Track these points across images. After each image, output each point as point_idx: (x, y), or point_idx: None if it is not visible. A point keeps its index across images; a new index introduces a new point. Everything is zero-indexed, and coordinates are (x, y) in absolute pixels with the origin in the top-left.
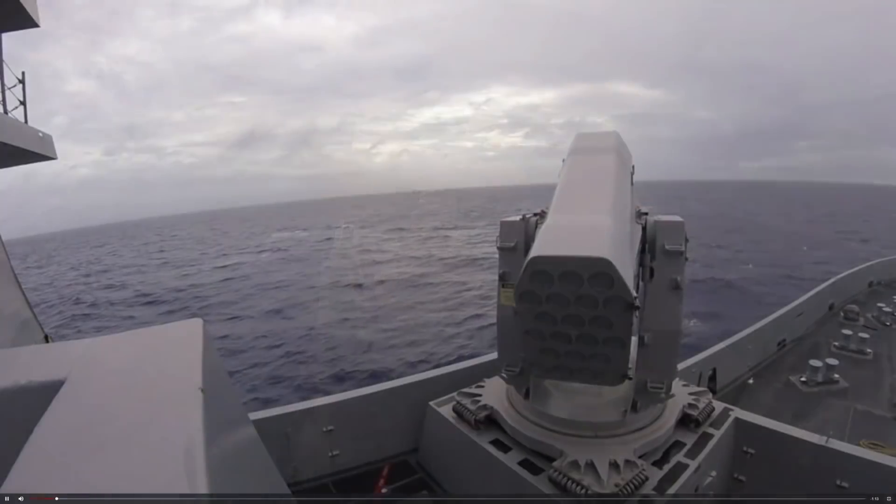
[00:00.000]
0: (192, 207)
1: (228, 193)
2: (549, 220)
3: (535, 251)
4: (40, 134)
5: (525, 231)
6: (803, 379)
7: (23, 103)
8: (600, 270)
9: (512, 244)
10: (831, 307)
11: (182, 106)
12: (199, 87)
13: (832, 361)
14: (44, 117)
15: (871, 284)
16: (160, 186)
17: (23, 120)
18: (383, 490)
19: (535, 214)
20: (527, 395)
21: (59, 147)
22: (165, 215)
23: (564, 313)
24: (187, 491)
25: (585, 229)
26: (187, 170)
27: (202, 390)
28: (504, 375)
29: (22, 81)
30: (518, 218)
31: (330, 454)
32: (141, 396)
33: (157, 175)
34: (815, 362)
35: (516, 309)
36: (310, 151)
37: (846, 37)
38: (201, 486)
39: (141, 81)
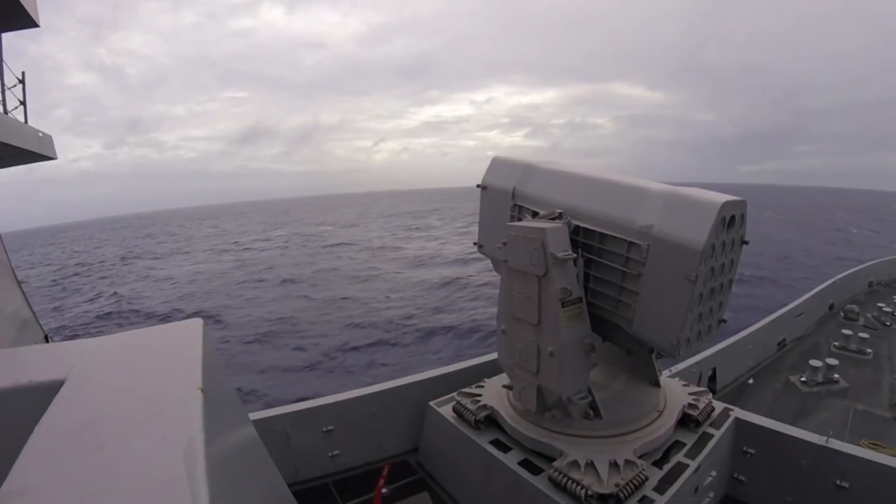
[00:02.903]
0: (192, 202)
1: (228, 189)
2: (664, 189)
3: (714, 200)
4: (40, 134)
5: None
6: (803, 379)
7: (23, 103)
8: (744, 211)
9: (570, 254)
10: (831, 307)
11: (183, 100)
12: (200, 82)
13: (832, 361)
14: (45, 110)
15: (871, 284)
16: (160, 181)
17: (23, 120)
18: (383, 490)
19: (555, 217)
20: (597, 413)
21: (61, 140)
22: (164, 209)
23: (720, 262)
24: (188, 491)
25: (697, 190)
26: (188, 164)
27: (202, 390)
28: (573, 405)
29: (22, 81)
30: (560, 223)
31: (330, 454)
32: (141, 397)
33: (158, 169)
34: (815, 362)
35: (697, 273)
36: (310, 148)
37: (848, 42)
38: (201, 487)
39: (142, 75)
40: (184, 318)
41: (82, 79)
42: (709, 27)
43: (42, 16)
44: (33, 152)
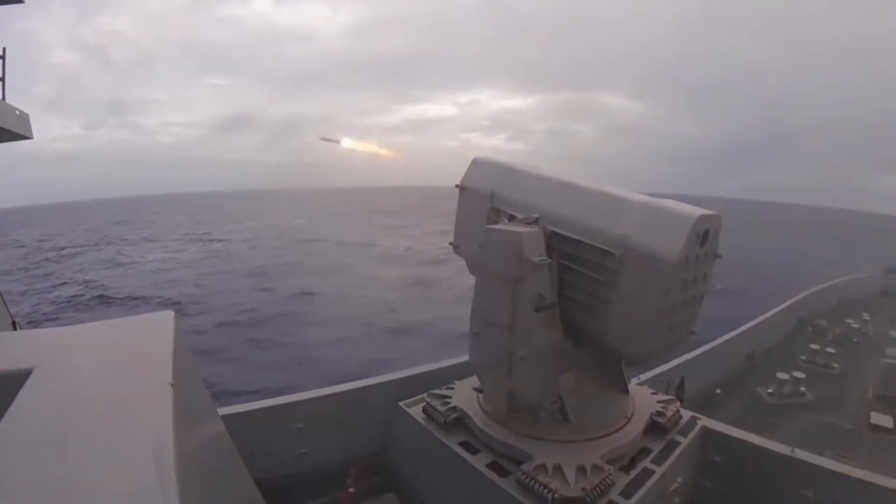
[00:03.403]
0: (169, 189)
1: (206, 177)
2: (641, 199)
3: (689, 214)
4: (17, 112)
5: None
6: (770, 391)
7: (1, 79)
8: (718, 226)
9: (545, 259)
10: (801, 321)
11: (166, 85)
12: (184, 67)
13: (799, 374)
14: (25, 87)
15: (840, 301)
16: (138, 165)
17: (0, 97)
18: (350, 489)
19: (531, 222)
20: (566, 418)
21: (39, 118)
22: (140, 195)
23: (693, 274)
24: (157, 487)
25: (674, 202)
26: (167, 150)
27: (172, 385)
28: (542, 409)
29: (2, 57)
30: (536, 228)
31: (298, 452)
32: (110, 390)
33: (136, 153)
34: (782, 375)
35: (670, 285)
36: (291, 140)
37: (831, 61)
38: (170, 483)
39: (126, 58)
40: (152, 307)
41: (65, 57)
42: (693, 40)
43: None
44: (9, 131)
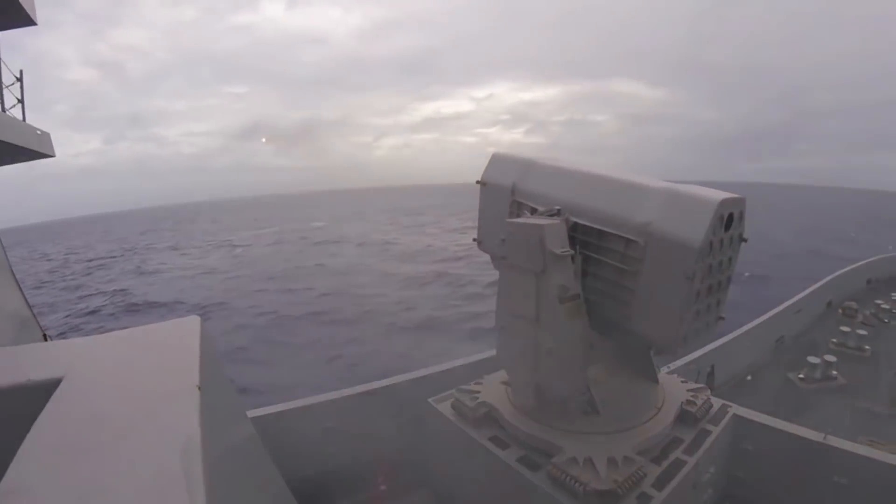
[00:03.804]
0: (191, 198)
1: (228, 184)
2: (663, 186)
3: (712, 198)
4: (38, 132)
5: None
6: (801, 376)
7: (20, 101)
8: (743, 209)
9: (568, 251)
10: (829, 304)
11: (183, 96)
12: (201, 77)
13: (830, 358)
14: (45, 105)
15: (869, 282)
16: (160, 176)
17: (21, 118)
18: (382, 487)
19: (553, 214)
20: (596, 410)
21: (60, 135)
22: (164, 205)
23: (718, 259)
24: (184, 490)
25: (696, 187)
26: (188, 160)
27: (199, 388)
28: (571, 401)
29: (20, 79)
30: (558, 219)
31: (329, 451)
32: (138, 395)
33: (158, 164)
34: (813, 359)
35: (695, 271)
36: (311, 144)
37: (848, 44)
38: (198, 485)
39: (142, 71)
40: (178, 313)
41: (82, 74)
42: (711, 25)
43: (41, 12)
44: (31, 150)
